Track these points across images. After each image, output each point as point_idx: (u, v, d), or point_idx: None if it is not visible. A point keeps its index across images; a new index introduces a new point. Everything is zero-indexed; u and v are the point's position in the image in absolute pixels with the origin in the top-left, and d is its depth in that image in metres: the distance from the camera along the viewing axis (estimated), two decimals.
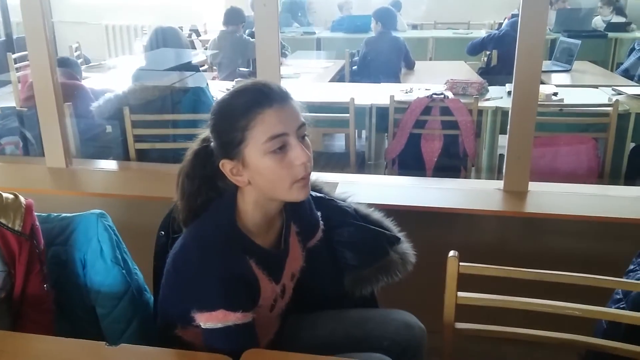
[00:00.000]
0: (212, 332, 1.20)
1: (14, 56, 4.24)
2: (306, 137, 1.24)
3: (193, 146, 1.31)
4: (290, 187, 1.21)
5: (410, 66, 5.16)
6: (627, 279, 1.51)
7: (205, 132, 1.30)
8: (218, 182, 1.27)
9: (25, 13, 2.27)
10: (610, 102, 3.20)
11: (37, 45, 2.30)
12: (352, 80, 5.18)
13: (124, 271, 1.49)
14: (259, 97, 1.19)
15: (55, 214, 1.56)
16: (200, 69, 4.67)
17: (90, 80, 3.64)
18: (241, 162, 1.21)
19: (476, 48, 5.52)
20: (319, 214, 1.47)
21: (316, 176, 1.59)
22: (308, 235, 1.45)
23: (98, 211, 1.52)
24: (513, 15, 5.22)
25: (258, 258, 1.27)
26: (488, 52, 5.29)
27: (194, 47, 6.11)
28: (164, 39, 3.10)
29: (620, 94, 3.63)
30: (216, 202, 1.29)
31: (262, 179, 1.21)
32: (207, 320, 1.20)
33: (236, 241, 1.24)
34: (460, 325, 1.41)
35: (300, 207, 1.36)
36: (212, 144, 1.26)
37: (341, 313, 1.50)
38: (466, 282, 1.40)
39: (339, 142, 4.51)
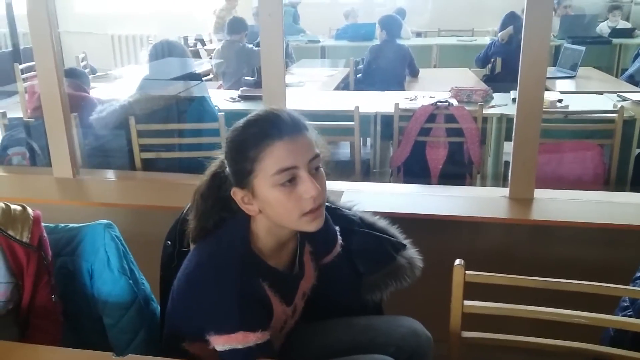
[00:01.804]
0: (232, 353, 1.19)
1: (21, 67, 4.27)
2: (320, 168, 1.23)
3: (211, 167, 1.32)
4: (298, 219, 1.20)
5: (414, 74, 5.17)
6: (634, 286, 1.51)
7: (222, 155, 1.30)
8: (232, 204, 1.27)
9: (32, 24, 2.29)
10: (616, 109, 3.19)
11: (44, 56, 2.32)
12: (357, 88, 5.19)
13: (131, 281, 1.50)
14: (269, 129, 1.18)
15: (63, 225, 1.57)
16: (206, 78, 4.70)
17: (97, 91, 3.65)
18: (251, 192, 1.21)
19: (484, 59, 5.54)
20: (337, 228, 1.47)
21: None
22: (322, 253, 1.45)
23: (105, 221, 1.53)
24: None
25: (271, 280, 1.27)
26: (492, 60, 5.30)
27: (199, 57, 6.14)
28: (163, 52, 3.12)
29: (625, 100, 3.63)
30: (231, 223, 1.29)
31: (271, 210, 1.21)
32: (226, 342, 1.19)
33: (251, 263, 1.24)
34: (466, 333, 1.41)
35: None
36: (227, 168, 1.27)
37: (347, 320, 1.50)
38: (472, 290, 1.39)
39: (344, 150, 4.51)
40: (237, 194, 1.23)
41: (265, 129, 1.19)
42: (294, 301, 1.36)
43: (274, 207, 1.20)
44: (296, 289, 1.37)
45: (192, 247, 1.32)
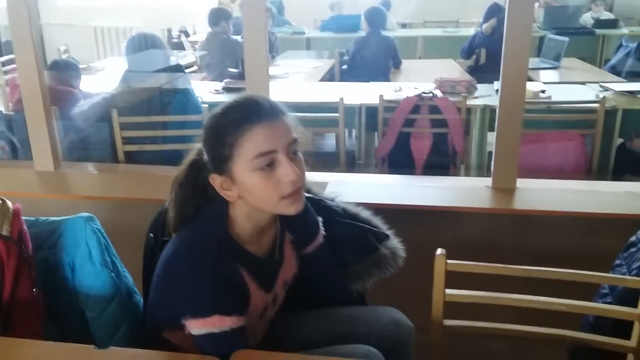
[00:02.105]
0: (207, 337, 1.20)
1: (1, 59, 4.21)
2: (298, 153, 1.24)
3: (189, 156, 1.32)
4: (278, 203, 1.21)
5: (397, 65, 5.18)
6: (613, 274, 1.53)
7: (200, 143, 1.30)
8: (210, 191, 1.27)
9: (12, 16, 2.26)
10: (598, 99, 3.22)
11: (24, 49, 2.29)
12: (342, 80, 5.19)
13: (113, 274, 1.49)
14: (248, 114, 1.19)
15: (44, 218, 1.55)
16: (190, 70, 4.67)
17: (79, 83, 3.60)
18: (230, 178, 1.21)
19: (468, 51, 5.57)
20: (319, 219, 1.47)
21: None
22: (304, 243, 1.45)
23: (86, 214, 1.51)
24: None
25: (249, 266, 1.28)
26: (477, 51, 5.32)
27: (182, 48, 6.10)
28: (140, 44, 3.09)
29: (607, 90, 3.67)
30: (209, 210, 1.29)
31: (250, 194, 1.22)
32: (202, 326, 1.20)
33: (228, 249, 1.25)
34: (448, 322, 1.42)
35: (295, 217, 1.36)
36: (205, 156, 1.26)
37: (329, 311, 1.50)
38: (455, 279, 1.40)
39: (329, 142, 4.51)
40: (215, 180, 1.23)
41: (244, 114, 1.19)
42: (273, 288, 1.37)
43: (253, 192, 1.21)
44: (275, 275, 1.37)
45: (173, 236, 1.32)
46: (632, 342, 1.32)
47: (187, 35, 7.05)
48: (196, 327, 1.21)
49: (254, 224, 1.29)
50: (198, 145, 1.30)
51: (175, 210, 1.30)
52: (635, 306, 1.31)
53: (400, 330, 1.44)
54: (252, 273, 1.28)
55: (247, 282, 1.28)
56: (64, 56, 5.34)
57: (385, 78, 4.85)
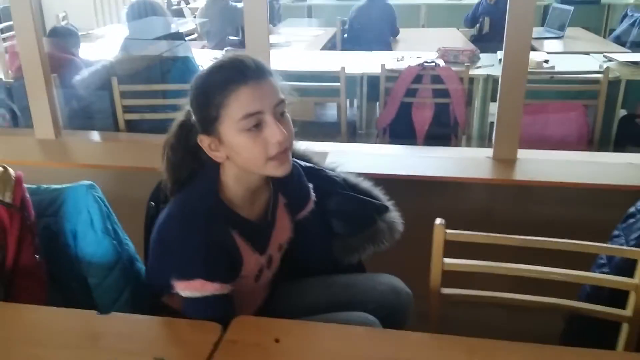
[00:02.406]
0: (190, 301, 1.23)
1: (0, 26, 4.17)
2: (286, 114, 1.23)
3: (179, 117, 1.31)
4: (265, 164, 1.21)
5: (394, 34, 5.11)
6: (611, 244, 1.54)
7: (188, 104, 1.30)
8: (201, 154, 1.27)
9: None
10: (601, 69, 3.20)
11: (23, 15, 2.26)
12: (344, 48, 5.14)
13: (114, 242, 1.50)
14: (234, 74, 1.18)
15: (45, 186, 1.56)
16: (190, 37, 4.62)
17: (82, 51, 3.57)
18: (217, 139, 1.21)
19: (471, 19, 5.50)
20: (310, 185, 1.48)
21: (305, 146, 1.59)
22: (297, 207, 1.46)
23: (87, 182, 1.52)
24: None
25: (241, 229, 1.29)
26: (480, 20, 5.26)
27: (182, 16, 6.03)
28: (140, 11, 3.05)
29: (611, 61, 3.63)
30: (200, 175, 1.30)
31: (237, 155, 1.22)
32: (186, 288, 1.23)
33: (219, 213, 1.26)
34: (446, 290, 1.43)
35: (288, 180, 1.37)
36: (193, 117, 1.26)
37: (328, 279, 1.52)
38: (454, 249, 1.42)
39: (330, 112, 4.49)
40: (203, 141, 1.23)
41: (230, 74, 1.19)
42: (267, 250, 1.38)
43: (241, 153, 1.21)
44: (268, 237, 1.38)
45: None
46: (627, 312, 1.33)
47: (187, 2, 6.97)
48: (181, 288, 1.23)
49: (245, 187, 1.29)
50: (186, 107, 1.29)
51: (169, 173, 1.30)
52: (632, 276, 1.32)
53: (399, 297, 1.46)
54: (244, 236, 1.29)
55: (239, 245, 1.29)
56: (62, 23, 5.28)
57: (387, 46, 4.81)
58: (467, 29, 5.62)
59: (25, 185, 1.45)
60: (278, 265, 1.45)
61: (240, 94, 1.17)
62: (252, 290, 1.39)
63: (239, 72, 1.18)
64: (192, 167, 1.30)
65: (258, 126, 1.19)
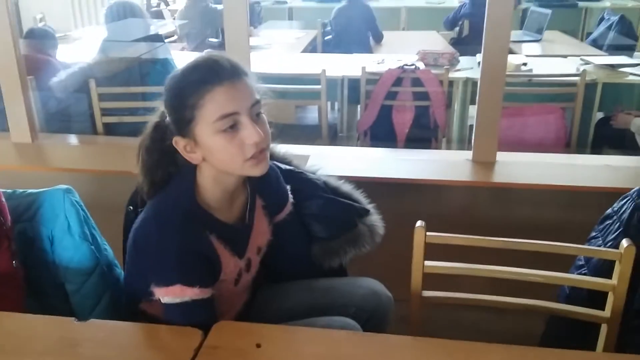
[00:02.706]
0: (170, 307, 1.21)
1: None
2: (262, 114, 1.22)
3: (153, 119, 1.30)
4: (242, 164, 1.21)
5: (378, 39, 5.11)
6: (589, 245, 1.55)
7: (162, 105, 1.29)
8: (177, 156, 1.26)
9: None
10: (578, 72, 3.24)
11: None
12: (325, 51, 5.14)
13: (92, 247, 1.48)
14: (209, 75, 1.17)
15: (21, 190, 1.53)
16: (169, 39, 4.59)
17: (60, 53, 3.52)
18: (193, 140, 1.20)
19: (452, 21, 5.54)
20: (288, 187, 1.47)
21: (285, 149, 1.59)
22: (275, 209, 1.45)
23: (64, 187, 1.49)
24: None
25: (219, 233, 1.28)
26: (460, 23, 5.30)
27: (162, 17, 5.98)
28: (119, 13, 3.02)
29: (588, 64, 3.68)
30: (176, 178, 1.28)
31: (214, 157, 1.21)
32: (165, 294, 1.21)
33: (195, 217, 1.25)
34: (427, 293, 1.44)
35: (266, 181, 1.36)
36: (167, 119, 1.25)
37: (309, 283, 1.52)
38: (435, 251, 1.42)
39: (311, 114, 4.49)
40: (178, 142, 1.22)
41: (204, 75, 1.18)
42: (245, 253, 1.37)
43: (217, 154, 1.20)
44: (247, 240, 1.37)
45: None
46: (606, 313, 1.35)
47: (166, 4, 6.92)
48: (161, 295, 1.22)
49: (222, 188, 1.28)
50: (161, 108, 1.28)
51: (144, 175, 1.28)
52: (610, 277, 1.34)
53: (379, 301, 1.46)
54: (222, 239, 1.28)
55: (217, 249, 1.28)
56: (40, 25, 5.21)
57: (366, 48, 4.82)
58: (446, 32, 5.67)
59: (0, 190, 1.42)
60: (257, 268, 1.44)
61: (215, 95, 1.16)
62: (231, 294, 1.37)
63: (214, 73, 1.17)
64: (167, 169, 1.28)
65: (234, 127, 1.18)
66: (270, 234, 1.44)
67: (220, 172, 1.25)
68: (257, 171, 1.23)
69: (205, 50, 3.95)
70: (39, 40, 3.25)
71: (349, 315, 1.39)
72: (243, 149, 1.18)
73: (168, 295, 1.21)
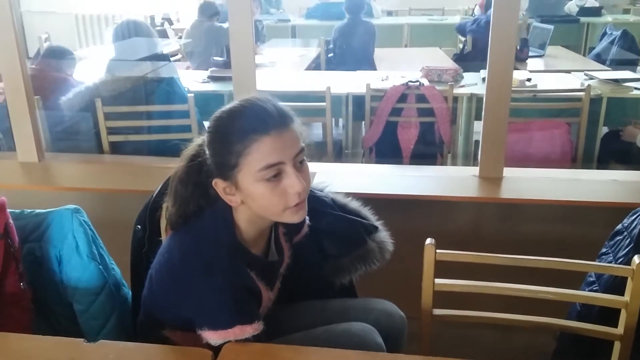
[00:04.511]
0: None
1: None
2: (304, 161, 1.22)
3: (188, 151, 1.28)
4: (282, 212, 1.20)
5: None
6: (599, 261, 1.54)
7: (201, 138, 1.27)
8: (211, 190, 1.24)
9: None
10: (583, 87, 3.24)
11: (5, 37, 2.25)
12: (329, 69, 5.17)
13: (100, 267, 1.48)
14: (256, 123, 1.16)
15: (29, 210, 1.53)
16: (174, 58, 4.62)
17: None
18: (234, 184, 1.19)
19: (461, 29, 5.57)
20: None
21: None
22: (294, 233, 1.45)
23: (72, 206, 1.49)
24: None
25: (257, 268, 1.27)
26: (464, 39, 5.33)
27: (166, 36, 6.03)
28: (129, 32, 3.05)
29: (592, 79, 3.69)
30: (211, 213, 1.26)
31: (254, 203, 1.20)
32: (222, 337, 1.17)
33: (237, 253, 1.23)
34: (438, 311, 1.43)
35: None
36: (207, 156, 1.23)
37: (322, 303, 1.51)
38: (444, 267, 1.41)
39: (316, 131, 4.50)
40: (218, 184, 1.21)
41: (252, 122, 1.16)
42: (275, 285, 1.37)
43: (258, 201, 1.19)
44: (278, 273, 1.37)
45: (169, 233, 1.30)
46: (619, 330, 1.33)
47: (170, 22, 6.97)
48: (214, 338, 1.17)
49: (257, 228, 1.27)
50: (198, 140, 1.27)
51: (177, 207, 1.26)
52: (622, 294, 1.32)
53: (393, 322, 1.45)
54: (259, 275, 1.27)
55: (259, 285, 1.27)
56: (45, 44, 5.25)
57: (370, 64, 4.85)
58: (449, 48, 5.69)
59: (8, 211, 1.42)
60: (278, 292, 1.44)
61: (262, 144, 1.14)
62: None
63: (261, 121, 1.15)
64: (199, 201, 1.27)
65: (277, 176, 1.17)
66: (290, 259, 1.44)
67: (257, 215, 1.24)
68: (295, 219, 1.23)
69: (210, 69, 3.99)
70: (57, 59, 3.28)
71: None
72: (285, 198, 1.18)
73: (227, 337, 1.17)
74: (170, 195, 1.28)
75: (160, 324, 1.31)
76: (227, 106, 1.23)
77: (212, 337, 1.18)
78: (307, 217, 1.45)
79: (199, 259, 1.19)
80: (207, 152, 1.23)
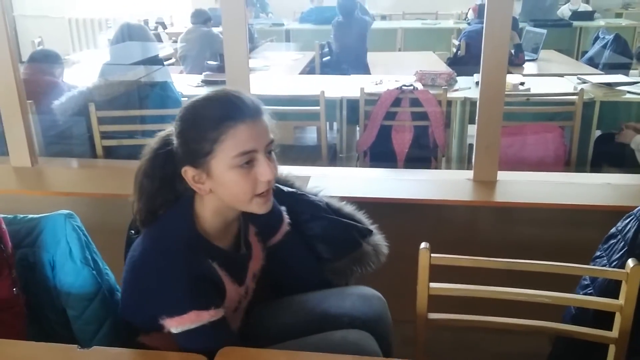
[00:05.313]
0: (187, 334, 1.19)
1: None
2: (272, 152, 1.24)
3: (152, 144, 1.29)
4: (250, 200, 1.22)
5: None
6: (594, 265, 1.55)
7: (166, 131, 1.29)
8: (177, 184, 1.26)
9: None
10: (576, 91, 3.26)
11: None
12: (323, 72, 5.18)
13: (94, 272, 1.47)
14: (232, 111, 1.18)
15: (22, 215, 1.52)
16: (168, 62, 4.62)
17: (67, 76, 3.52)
18: (205, 172, 1.20)
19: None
20: (282, 208, 1.47)
21: (287, 170, 1.59)
22: (268, 234, 1.45)
23: (66, 212, 1.48)
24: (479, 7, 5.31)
25: (221, 260, 1.27)
26: (457, 43, 5.34)
27: (160, 40, 6.02)
28: (129, 34, 3.04)
29: (585, 83, 3.71)
30: (174, 207, 1.27)
31: (224, 190, 1.21)
32: (179, 324, 1.18)
33: (198, 245, 1.24)
34: (433, 315, 1.43)
35: None
36: (174, 146, 1.24)
37: (301, 297, 1.48)
38: (439, 272, 1.41)
39: (310, 135, 4.50)
40: (188, 172, 1.22)
41: (228, 110, 1.18)
42: (245, 281, 1.36)
43: (229, 188, 1.20)
44: (246, 269, 1.37)
45: (141, 233, 1.29)
46: (613, 333, 1.33)
47: (164, 27, 6.97)
48: (173, 325, 1.19)
49: (222, 219, 1.28)
50: (161, 134, 1.28)
51: (143, 202, 1.27)
52: (617, 297, 1.33)
53: (370, 304, 1.42)
54: (224, 267, 1.27)
55: (221, 276, 1.27)
56: (38, 49, 5.23)
57: (365, 68, 4.87)
58: (443, 52, 5.70)
59: (1, 216, 1.41)
60: (253, 292, 1.43)
61: (238, 131, 1.17)
62: (230, 320, 1.35)
63: (238, 109, 1.18)
64: (166, 197, 1.27)
65: (249, 163, 1.19)
66: (263, 260, 1.43)
67: (224, 204, 1.25)
68: (262, 209, 1.25)
69: (204, 73, 3.98)
70: (44, 63, 3.26)
71: (344, 326, 1.35)
72: (255, 185, 1.20)
73: (183, 323, 1.18)
74: (136, 190, 1.28)
75: (135, 330, 1.30)
76: (201, 95, 1.25)
77: (170, 324, 1.19)
78: (286, 217, 1.45)
79: (156, 252, 1.21)
80: (175, 141, 1.24)
